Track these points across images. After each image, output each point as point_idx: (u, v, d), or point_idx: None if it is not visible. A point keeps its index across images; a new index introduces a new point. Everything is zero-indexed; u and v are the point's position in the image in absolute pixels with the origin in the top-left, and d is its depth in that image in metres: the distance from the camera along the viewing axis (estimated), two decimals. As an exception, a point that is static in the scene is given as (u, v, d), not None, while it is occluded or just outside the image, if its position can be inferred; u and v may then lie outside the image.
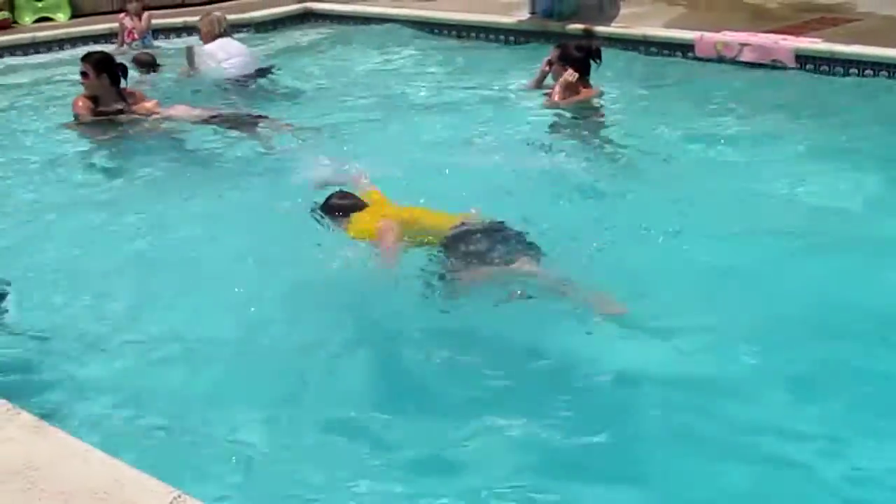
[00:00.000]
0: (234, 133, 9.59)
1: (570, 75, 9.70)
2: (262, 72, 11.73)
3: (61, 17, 15.08)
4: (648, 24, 12.48)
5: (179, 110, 9.90)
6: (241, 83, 11.34)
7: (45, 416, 4.51)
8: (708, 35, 11.53)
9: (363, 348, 5.73)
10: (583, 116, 9.67)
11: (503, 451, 4.76)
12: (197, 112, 9.88)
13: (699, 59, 11.49)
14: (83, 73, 9.70)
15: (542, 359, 5.52)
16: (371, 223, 6.55)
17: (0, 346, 5.64)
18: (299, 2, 15.32)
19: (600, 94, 10.09)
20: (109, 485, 3.91)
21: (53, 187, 8.47)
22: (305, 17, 14.95)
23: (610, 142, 9.19)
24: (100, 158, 9.31)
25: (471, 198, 6.87)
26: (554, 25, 12.76)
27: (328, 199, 6.74)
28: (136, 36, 13.66)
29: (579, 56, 9.86)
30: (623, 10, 13.18)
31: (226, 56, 11.61)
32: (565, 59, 9.87)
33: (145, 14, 13.75)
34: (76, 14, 15.22)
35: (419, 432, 4.89)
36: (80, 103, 9.77)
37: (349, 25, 14.58)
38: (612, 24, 12.62)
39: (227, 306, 6.13)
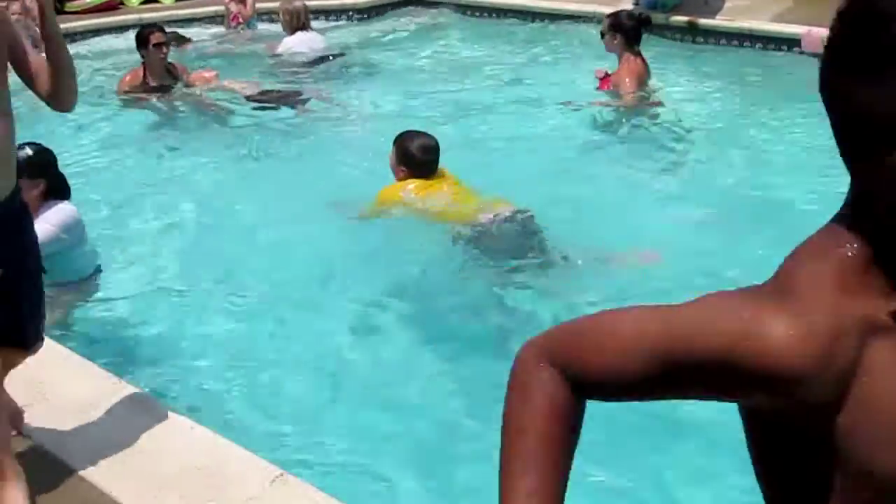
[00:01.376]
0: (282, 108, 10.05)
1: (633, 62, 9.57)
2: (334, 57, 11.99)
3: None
4: (754, 18, 12.30)
5: (233, 83, 10.51)
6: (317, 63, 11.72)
7: (152, 391, 4.58)
8: (815, 30, 11.33)
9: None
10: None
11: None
12: (246, 86, 10.39)
13: (805, 55, 11.32)
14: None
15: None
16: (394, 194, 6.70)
17: (107, 322, 5.75)
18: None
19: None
20: (213, 461, 3.98)
21: (139, 163, 8.74)
22: (407, 4, 14.97)
23: (710, 136, 9.10)
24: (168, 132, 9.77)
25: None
26: (658, 17, 12.61)
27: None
28: (241, 20, 13.76)
29: (630, 24, 9.67)
30: (728, 3, 12.97)
31: (308, 51, 11.87)
32: (616, 28, 9.66)
33: (250, -2, 13.87)
34: (182, -6, 15.43)
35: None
36: (128, 77, 10.42)
37: (451, 12, 14.56)
38: (717, 17, 12.45)
39: (322, 282, 6.27)
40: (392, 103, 10.31)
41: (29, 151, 5.93)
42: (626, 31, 9.59)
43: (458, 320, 5.81)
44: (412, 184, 6.64)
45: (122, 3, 15.10)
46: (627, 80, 9.49)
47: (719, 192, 7.62)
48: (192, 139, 9.41)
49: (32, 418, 4.34)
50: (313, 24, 12.52)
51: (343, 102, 10.23)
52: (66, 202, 6.05)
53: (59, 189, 6.08)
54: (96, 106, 10.17)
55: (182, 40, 12.59)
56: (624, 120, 9.27)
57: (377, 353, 5.53)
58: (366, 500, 4.25)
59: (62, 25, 11.79)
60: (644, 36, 11.66)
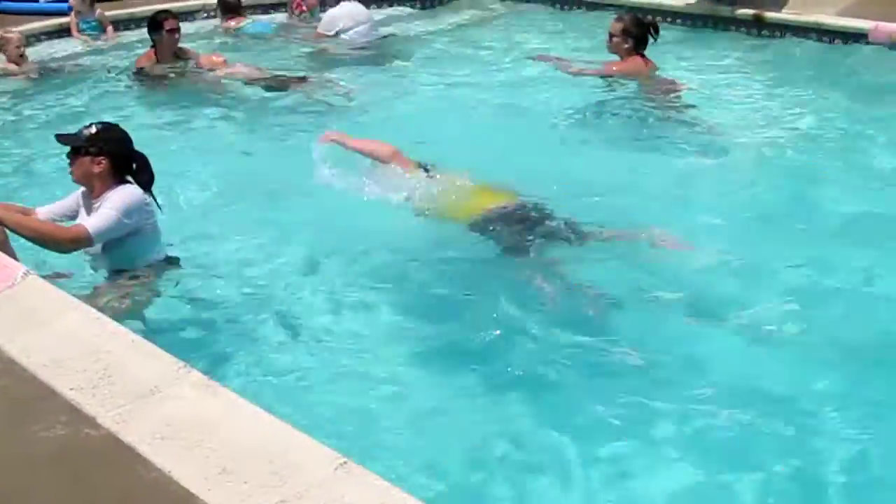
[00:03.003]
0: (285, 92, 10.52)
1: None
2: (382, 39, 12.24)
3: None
4: (821, 11, 12.14)
5: (240, 68, 11.00)
6: (361, 47, 11.94)
7: (216, 375, 4.58)
8: (883, 24, 11.20)
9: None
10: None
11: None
12: (253, 71, 10.91)
13: (873, 49, 11.17)
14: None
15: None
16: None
17: (172, 305, 5.76)
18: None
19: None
20: (276, 447, 3.96)
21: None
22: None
23: (773, 129, 9.02)
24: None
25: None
26: (724, 10, 12.52)
27: None
28: (304, 8, 13.77)
29: (639, 31, 9.91)
30: (795, -4, 12.87)
31: (352, 24, 12.04)
32: (627, 34, 9.86)
33: (314, -14, 13.87)
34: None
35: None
36: (144, 60, 11.10)
37: (513, 2, 14.51)
38: (784, 11, 12.31)
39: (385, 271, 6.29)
40: (407, 92, 10.57)
41: (92, 129, 5.96)
42: (635, 37, 9.87)
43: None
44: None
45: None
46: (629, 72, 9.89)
47: (776, 188, 7.56)
48: (202, 118, 9.84)
49: (97, 401, 4.36)
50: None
51: (348, 87, 10.49)
52: (131, 185, 6.03)
53: (124, 169, 6.06)
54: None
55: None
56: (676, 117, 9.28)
57: (443, 344, 5.52)
58: (428, 490, 4.24)
59: (126, 10, 12.31)
60: (708, 28, 11.73)
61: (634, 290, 5.98)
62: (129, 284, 5.92)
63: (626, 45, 9.82)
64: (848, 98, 9.83)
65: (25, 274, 5.62)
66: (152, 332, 5.26)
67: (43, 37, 13.16)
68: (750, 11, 12.30)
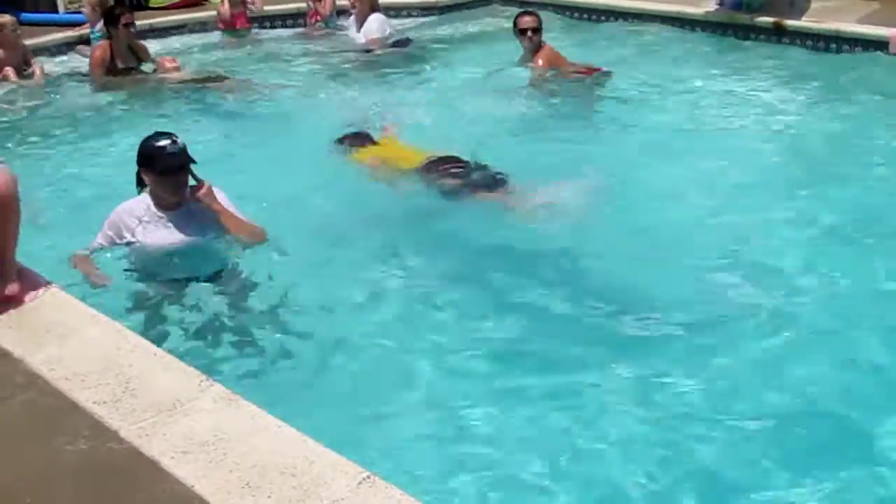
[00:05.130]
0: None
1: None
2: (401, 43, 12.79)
3: (251, -5, 15.33)
4: (841, 19, 12.10)
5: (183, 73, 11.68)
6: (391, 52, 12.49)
7: (238, 388, 4.58)
8: (905, 32, 11.18)
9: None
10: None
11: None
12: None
13: (894, 57, 11.13)
14: None
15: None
16: (366, 156, 8.25)
17: (195, 319, 5.76)
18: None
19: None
20: (299, 461, 3.97)
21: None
22: (491, 1, 14.95)
23: (791, 136, 9.02)
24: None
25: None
26: (743, 18, 12.48)
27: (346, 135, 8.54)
28: (318, 18, 13.85)
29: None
30: (814, 4, 12.78)
31: (391, 31, 12.89)
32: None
33: (328, -4, 13.96)
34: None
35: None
36: (98, 53, 11.59)
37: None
38: (803, 18, 12.26)
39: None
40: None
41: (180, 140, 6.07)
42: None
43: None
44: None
45: (206, 0, 15.23)
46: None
47: (796, 194, 7.53)
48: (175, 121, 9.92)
49: (119, 414, 4.37)
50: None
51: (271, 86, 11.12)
52: (131, 198, 6.13)
53: (139, 182, 6.11)
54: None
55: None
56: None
57: (468, 357, 5.49)
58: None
59: (146, 21, 12.54)
60: (728, 36, 11.79)
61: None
62: (151, 296, 5.96)
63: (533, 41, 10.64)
64: (867, 105, 9.79)
65: (48, 287, 5.64)
66: (175, 345, 5.26)
67: (64, 48, 13.19)
68: (770, 19, 12.26)
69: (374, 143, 8.54)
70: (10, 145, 9.48)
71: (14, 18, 11.83)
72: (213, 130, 9.55)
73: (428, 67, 12.03)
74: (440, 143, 8.09)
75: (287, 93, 10.02)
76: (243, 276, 6.14)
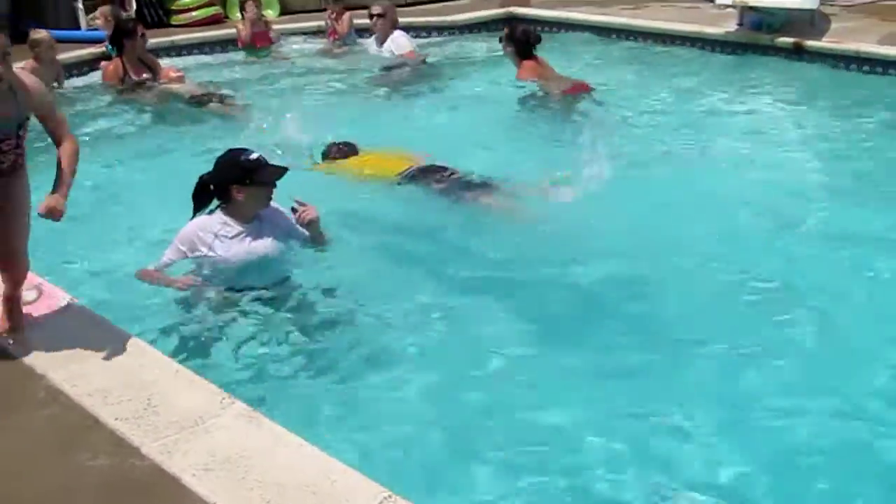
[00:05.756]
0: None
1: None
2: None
3: (271, 13, 15.38)
4: (861, 40, 12.09)
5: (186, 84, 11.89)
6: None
7: (260, 406, 4.60)
8: (924, 53, 11.17)
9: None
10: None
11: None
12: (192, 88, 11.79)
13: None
14: None
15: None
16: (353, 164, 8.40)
17: (216, 336, 5.76)
18: (503, 6, 15.39)
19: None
20: (320, 479, 3.98)
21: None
22: (509, 22, 14.94)
23: (811, 157, 9.01)
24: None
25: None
26: (763, 38, 12.47)
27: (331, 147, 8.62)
28: (336, 36, 13.90)
29: (522, 38, 10.99)
30: (834, 25, 12.78)
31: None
32: (509, 40, 11.06)
33: (346, 15, 13.96)
34: (285, 11, 15.57)
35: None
36: (111, 68, 11.75)
37: (553, 31, 14.54)
38: (824, 39, 12.25)
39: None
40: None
41: None
42: (515, 43, 10.98)
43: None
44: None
45: (227, 18, 15.31)
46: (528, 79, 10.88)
47: (811, 210, 7.54)
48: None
49: (141, 431, 4.39)
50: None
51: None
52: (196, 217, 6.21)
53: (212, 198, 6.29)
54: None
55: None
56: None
57: (490, 372, 5.50)
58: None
59: (167, 38, 12.64)
60: (748, 56, 11.79)
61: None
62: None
63: (510, 50, 11.01)
64: (888, 125, 9.78)
65: (70, 303, 5.68)
66: (197, 363, 5.27)
67: (85, 67, 13.18)
68: (790, 39, 12.25)
69: (356, 153, 8.59)
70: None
71: (50, 35, 11.85)
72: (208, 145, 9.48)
73: (440, 84, 12.16)
74: (433, 150, 8.41)
75: (295, 113, 10.04)
76: (299, 287, 6.26)
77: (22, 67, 11.22)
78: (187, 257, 6.13)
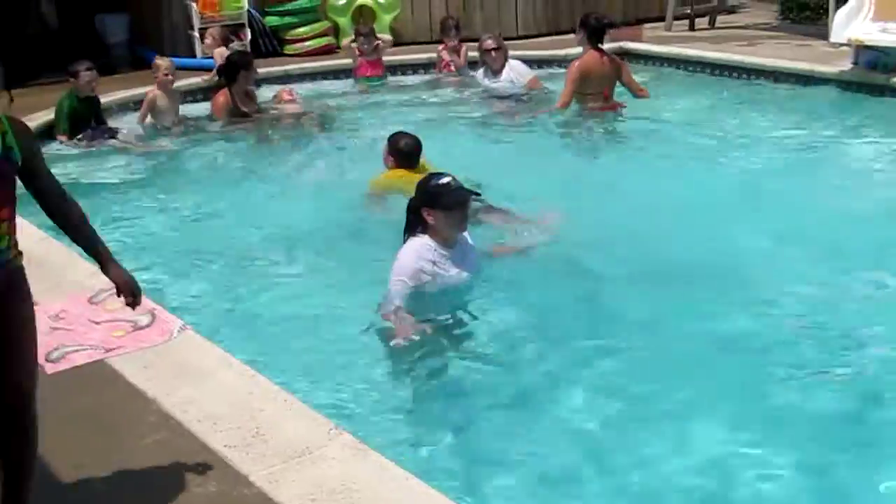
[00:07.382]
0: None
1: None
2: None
3: (387, 37, 15.47)
4: None
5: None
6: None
7: (367, 438, 4.61)
8: None
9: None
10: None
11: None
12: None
13: None
14: None
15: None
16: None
17: (326, 366, 5.80)
18: (615, 41, 15.34)
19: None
20: (426, 513, 3.99)
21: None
22: (620, 57, 14.91)
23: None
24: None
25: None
26: (878, 77, 12.26)
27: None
28: (452, 68, 13.99)
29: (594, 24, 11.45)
30: (952, 65, 12.52)
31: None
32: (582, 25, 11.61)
33: (464, 47, 14.08)
34: (397, 43, 15.68)
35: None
36: (222, 99, 11.79)
37: (665, 67, 14.49)
38: (944, 79, 12.02)
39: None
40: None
41: None
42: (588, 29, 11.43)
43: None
44: (399, 171, 8.01)
45: (339, 48, 15.47)
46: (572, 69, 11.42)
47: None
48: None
49: (250, 459, 4.44)
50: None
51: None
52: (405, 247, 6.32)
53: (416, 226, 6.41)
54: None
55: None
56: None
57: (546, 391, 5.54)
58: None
59: (281, 68, 12.79)
60: (861, 96, 11.57)
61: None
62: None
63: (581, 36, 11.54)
64: None
65: (183, 328, 5.78)
66: (306, 393, 5.30)
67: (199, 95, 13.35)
68: (906, 79, 12.05)
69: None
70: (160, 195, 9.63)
71: (171, 62, 11.99)
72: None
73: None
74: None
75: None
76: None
77: (145, 93, 11.70)
78: (410, 289, 6.18)
